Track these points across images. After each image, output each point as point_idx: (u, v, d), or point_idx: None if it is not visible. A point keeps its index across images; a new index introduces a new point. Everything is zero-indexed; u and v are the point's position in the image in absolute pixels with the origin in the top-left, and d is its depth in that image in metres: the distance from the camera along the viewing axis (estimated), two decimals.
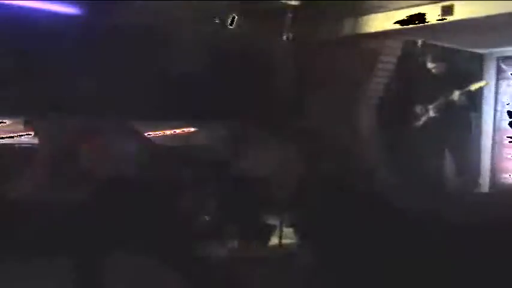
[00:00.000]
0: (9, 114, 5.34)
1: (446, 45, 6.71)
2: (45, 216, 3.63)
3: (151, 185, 3.83)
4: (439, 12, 6.37)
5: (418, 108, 6.53)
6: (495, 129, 8.52)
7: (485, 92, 7.11)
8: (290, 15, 6.49)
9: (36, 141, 4.26)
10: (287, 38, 6.58)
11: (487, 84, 6.93)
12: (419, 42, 6.43)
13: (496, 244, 4.35)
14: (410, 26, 6.66)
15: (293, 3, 6.38)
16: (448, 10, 6.32)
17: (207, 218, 5.17)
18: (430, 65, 6.48)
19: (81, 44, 5.52)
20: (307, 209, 5.68)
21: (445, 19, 6.32)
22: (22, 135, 5.04)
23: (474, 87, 6.27)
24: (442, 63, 6.38)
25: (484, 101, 8.29)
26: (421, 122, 6.51)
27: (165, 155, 4.33)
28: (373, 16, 6.91)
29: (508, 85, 8.42)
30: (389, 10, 6.74)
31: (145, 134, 5.49)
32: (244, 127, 6.00)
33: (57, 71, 5.37)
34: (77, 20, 5.69)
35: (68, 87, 5.38)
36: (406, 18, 6.67)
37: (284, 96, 6.69)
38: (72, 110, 4.55)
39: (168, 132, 5.86)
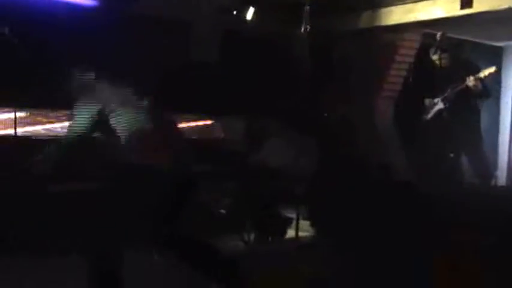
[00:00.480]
0: None
1: (465, 38, 6.66)
2: None
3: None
4: (458, 4, 6.33)
5: (436, 101, 6.51)
6: None
7: (503, 86, 7.06)
8: (308, 7, 6.46)
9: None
10: (305, 30, 6.55)
11: (496, 71, 6.89)
12: (438, 34, 6.38)
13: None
14: (429, 18, 6.64)
15: None
16: (467, 2, 6.27)
17: (223, 211, 5.20)
18: (448, 58, 6.44)
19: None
20: (324, 202, 5.69)
21: (464, 12, 6.29)
22: None
23: (484, 74, 6.24)
24: (460, 56, 6.36)
25: (502, 95, 8.26)
26: (438, 114, 6.48)
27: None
28: (391, 8, 6.87)
29: None
30: (408, 2, 6.70)
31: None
32: (262, 119, 6.02)
33: None
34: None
35: None
36: (424, 10, 6.64)
37: (302, 88, 6.68)
38: None
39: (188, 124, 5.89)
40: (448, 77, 6.42)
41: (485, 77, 6.26)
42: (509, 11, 6.03)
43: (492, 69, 6.61)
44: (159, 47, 5.79)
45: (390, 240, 4.82)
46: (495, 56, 8.13)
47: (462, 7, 6.29)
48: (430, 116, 6.53)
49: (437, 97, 6.47)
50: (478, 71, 6.29)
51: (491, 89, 6.68)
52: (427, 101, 6.54)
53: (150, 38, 5.74)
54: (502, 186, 7.33)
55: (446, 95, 6.39)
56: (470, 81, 6.13)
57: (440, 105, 6.45)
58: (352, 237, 5.00)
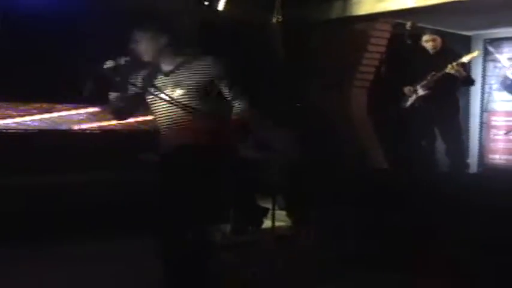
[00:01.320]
0: None
1: (434, 27, 6.71)
2: None
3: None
4: None
5: (409, 89, 6.52)
6: (482, 110, 8.61)
7: (472, 74, 7.13)
8: None
9: None
10: (277, 20, 6.54)
11: (478, 54, 6.96)
12: (409, 24, 6.42)
13: (484, 225, 4.43)
14: (399, 8, 6.69)
15: None
16: None
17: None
18: (419, 47, 6.49)
19: None
20: (299, 192, 5.73)
21: (433, 1, 6.34)
22: None
23: (467, 58, 6.27)
24: (431, 45, 6.38)
25: None
26: (411, 102, 6.51)
27: None
28: None
29: (495, 67, 8.49)
30: None
31: None
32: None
33: None
34: None
35: None
36: (394, 0, 6.69)
37: (274, 78, 6.68)
38: None
39: None
40: (428, 64, 6.42)
41: (468, 61, 6.30)
42: (477, 1, 6.11)
43: (475, 53, 6.68)
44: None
45: (366, 228, 4.89)
46: (464, 45, 8.21)
47: None
48: (409, 103, 6.52)
49: (417, 84, 6.46)
50: (460, 56, 6.34)
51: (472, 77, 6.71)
52: (406, 89, 6.52)
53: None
54: (474, 174, 7.43)
55: (426, 82, 6.40)
56: (453, 67, 6.12)
57: (420, 93, 6.46)
58: (329, 226, 5.04)
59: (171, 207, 3.54)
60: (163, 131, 3.59)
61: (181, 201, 3.49)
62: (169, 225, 3.53)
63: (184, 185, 3.51)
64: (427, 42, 6.37)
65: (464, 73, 6.23)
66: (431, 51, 6.40)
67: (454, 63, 6.11)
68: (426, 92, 6.38)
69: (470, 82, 6.62)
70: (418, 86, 6.44)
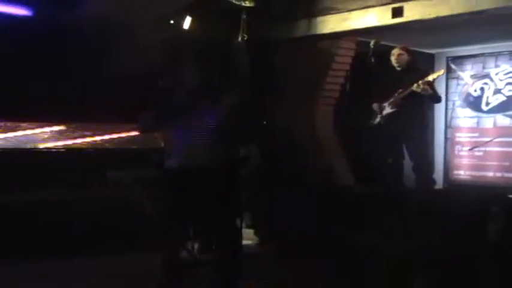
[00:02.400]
0: None
1: (397, 45, 6.82)
2: None
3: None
4: (390, 13, 6.49)
5: (375, 106, 6.56)
6: (447, 127, 8.74)
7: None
8: (245, 16, 6.50)
9: None
10: (242, 39, 6.58)
11: (444, 73, 7.05)
12: (372, 42, 6.50)
13: (446, 240, 4.48)
14: (363, 26, 6.79)
15: (247, 4, 6.39)
16: (398, 11, 6.45)
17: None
18: (385, 64, 6.54)
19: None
20: (266, 210, 5.72)
21: (396, 20, 6.46)
22: None
23: (432, 76, 6.34)
24: (397, 61, 6.43)
25: None
26: (379, 119, 6.54)
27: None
28: (326, 17, 7.00)
29: (458, 84, 8.66)
30: (342, 12, 6.83)
31: None
32: None
33: None
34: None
35: None
36: (358, 19, 6.79)
37: (240, 96, 6.69)
38: None
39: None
40: (395, 81, 6.46)
41: (433, 80, 6.36)
42: (439, 20, 6.23)
43: (440, 72, 6.77)
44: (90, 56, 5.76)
45: (332, 243, 4.90)
46: (427, 63, 8.36)
47: (394, 16, 6.47)
48: (377, 120, 6.54)
49: (384, 102, 6.49)
50: (426, 74, 6.41)
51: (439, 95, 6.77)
52: (374, 106, 6.56)
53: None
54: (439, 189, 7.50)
55: (393, 99, 6.42)
56: (419, 85, 6.17)
57: (387, 110, 6.48)
58: (295, 243, 5.04)
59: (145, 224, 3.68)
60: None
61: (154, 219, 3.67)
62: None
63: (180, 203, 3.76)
64: (394, 58, 6.42)
65: (431, 91, 6.28)
66: (397, 68, 6.44)
67: (420, 82, 6.16)
68: (393, 109, 6.41)
69: (437, 99, 6.69)
70: (385, 104, 6.47)
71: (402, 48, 6.46)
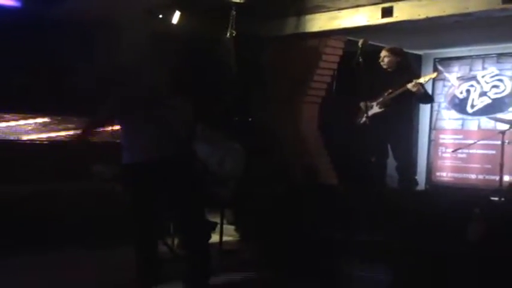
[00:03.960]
0: None
1: (386, 45, 6.83)
2: None
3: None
4: (379, 13, 6.50)
5: (362, 105, 6.55)
6: (431, 128, 8.79)
7: None
8: (234, 12, 6.49)
9: None
10: (231, 35, 6.57)
11: (436, 75, 7.06)
12: (360, 42, 6.48)
13: (430, 242, 4.51)
14: (352, 26, 6.79)
15: (237, 0, 6.38)
16: (387, 11, 6.45)
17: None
18: (375, 64, 6.54)
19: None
20: (248, 206, 5.73)
21: (385, 20, 6.46)
22: None
23: (424, 79, 6.35)
24: (387, 62, 6.42)
25: None
26: (364, 119, 6.53)
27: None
28: (315, 15, 6.99)
29: (444, 85, 8.71)
30: (331, 10, 6.83)
31: None
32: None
33: None
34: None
35: None
36: (347, 18, 6.79)
37: (227, 92, 6.70)
38: None
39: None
40: (384, 81, 6.46)
41: (425, 82, 6.37)
42: (427, 21, 6.25)
43: (433, 75, 6.79)
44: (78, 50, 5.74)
45: (315, 242, 4.92)
46: (415, 64, 8.38)
47: (383, 16, 6.48)
48: (363, 119, 6.53)
49: (372, 101, 6.48)
50: (416, 75, 6.42)
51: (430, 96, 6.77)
52: (362, 105, 6.55)
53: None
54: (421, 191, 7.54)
55: (381, 99, 6.43)
56: (411, 86, 6.17)
57: (375, 110, 6.49)
58: (276, 240, 5.06)
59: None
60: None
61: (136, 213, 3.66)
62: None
63: (140, 198, 3.75)
64: (381, 60, 6.42)
65: (422, 90, 6.30)
66: (388, 69, 6.44)
67: (415, 81, 6.16)
68: (381, 109, 6.42)
69: (430, 99, 6.71)
70: (374, 103, 6.47)
71: (389, 50, 6.46)
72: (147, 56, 3.96)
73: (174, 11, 6.35)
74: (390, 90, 6.35)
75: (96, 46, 5.57)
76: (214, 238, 5.18)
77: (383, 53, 6.44)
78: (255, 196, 5.71)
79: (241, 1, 6.36)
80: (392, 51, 6.47)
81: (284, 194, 5.56)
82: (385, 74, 6.48)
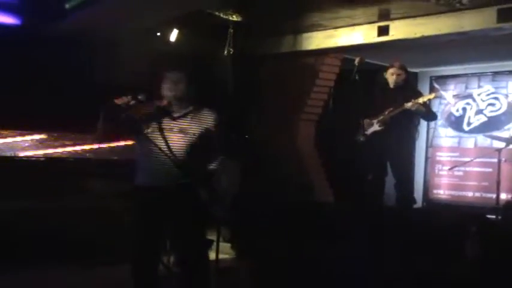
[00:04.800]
0: None
1: (382, 63, 6.87)
2: None
3: None
4: (376, 32, 6.55)
5: (361, 123, 6.52)
6: (428, 146, 8.81)
7: None
8: (231, 30, 6.53)
9: None
10: (228, 52, 6.61)
11: (435, 96, 7.06)
12: (357, 60, 6.48)
13: (426, 259, 4.51)
14: (348, 44, 6.83)
15: (235, 18, 6.42)
16: (384, 30, 6.50)
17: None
18: (372, 82, 6.52)
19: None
20: (245, 224, 5.72)
21: (381, 39, 6.51)
22: None
23: (423, 99, 6.32)
24: (395, 79, 6.39)
25: None
26: (364, 136, 6.50)
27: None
28: (312, 34, 7.04)
29: (440, 103, 8.74)
30: (328, 28, 6.87)
31: None
32: None
33: None
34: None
35: None
36: (344, 36, 6.83)
37: (224, 109, 6.71)
38: None
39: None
40: (387, 99, 6.42)
41: (424, 103, 6.33)
42: (423, 39, 6.29)
43: (431, 96, 6.76)
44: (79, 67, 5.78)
45: (310, 260, 4.91)
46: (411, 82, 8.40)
47: (379, 34, 6.52)
48: (363, 137, 6.49)
49: (373, 119, 6.45)
50: (418, 93, 6.42)
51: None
52: (361, 123, 6.51)
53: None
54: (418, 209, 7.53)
55: (382, 117, 6.39)
56: (411, 105, 6.12)
57: (375, 128, 6.44)
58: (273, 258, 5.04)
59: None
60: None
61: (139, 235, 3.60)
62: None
63: (147, 222, 3.68)
64: (391, 77, 6.34)
65: (424, 109, 6.24)
66: (392, 86, 6.37)
67: (414, 101, 6.12)
68: (381, 127, 6.37)
69: (434, 117, 6.68)
70: (374, 121, 6.43)
71: (400, 67, 6.37)
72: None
73: (172, 29, 6.40)
74: (391, 108, 6.31)
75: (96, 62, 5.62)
76: (211, 256, 5.16)
77: (394, 70, 6.34)
78: (251, 214, 5.71)
79: (239, 19, 6.40)
80: (403, 68, 6.38)
81: (281, 212, 5.55)
82: (386, 91, 6.43)
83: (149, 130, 3.65)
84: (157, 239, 3.87)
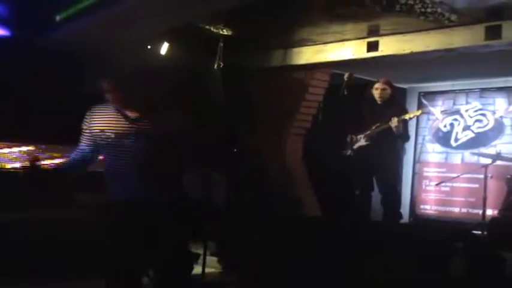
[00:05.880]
0: None
1: (371, 78, 6.91)
2: None
3: None
4: (365, 47, 6.59)
5: (349, 138, 6.55)
6: (415, 161, 8.85)
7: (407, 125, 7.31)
8: (221, 44, 6.56)
9: None
10: (218, 66, 6.63)
11: (422, 113, 7.10)
12: (346, 75, 6.52)
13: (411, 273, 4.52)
14: (338, 59, 6.87)
15: (225, 32, 6.45)
16: (373, 46, 6.54)
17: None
18: (360, 97, 6.55)
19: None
20: (232, 238, 5.72)
21: (370, 54, 6.55)
22: None
23: (409, 116, 6.35)
24: (379, 94, 6.41)
25: None
26: (350, 151, 6.52)
27: None
28: (302, 49, 7.08)
29: (428, 119, 8.79)
30: (318, 44, 6.92)
31: None
32: None
33: None
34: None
35: None
36: (333, 52, 6.88)
37: (213, 123, 6.73)
38: None
39: None
40: (374, 114, 6.44)
41: (410, 119, 6.36)
42: (411, 55, 6.34)
43: (418, 112, 6.80)
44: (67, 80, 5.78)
45: (299, 275, 4.91)
46: (399, 98, 8.45)
47: (369, 50, 6.57)
48: (349, 152, 6.51)
49: (360, 134, 6.46)
50: (405, 110, 6.45)
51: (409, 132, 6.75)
52: (349, 137, 6.53)
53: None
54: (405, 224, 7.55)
55: (369, 132, 6.41)
56: (394, 121, 6.14)
57: (361, 142, 6.47)
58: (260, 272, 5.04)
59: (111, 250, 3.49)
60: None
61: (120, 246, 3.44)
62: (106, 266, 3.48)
63: (122, 231, 3.44)
64: (377, 92, 6.37)
65: (401, 130, 6.26)
66: (378, 101, 6.40)
67: (397, 119, 6.13)
68: (367, 142, 6.40)
69: (406, 139, 6.70)
70: (361, 136, 6.45)
71: (385, 83, 6.41)
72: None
73: (163, 42, 6.42)
74: (378, 124, 6.33)
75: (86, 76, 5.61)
76: (197, 269, 5.16)
77: (379, 85, 6.39)
78: (238, 227, 5.71)
79: (229, 33, 6.44)
80: (388, 84, 6.42)
81: (268, 226, 5.56)
82: (373, 106, 6.45)
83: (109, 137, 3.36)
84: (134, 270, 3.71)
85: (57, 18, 5.41)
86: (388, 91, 6.37)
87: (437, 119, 8.70)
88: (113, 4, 5.10)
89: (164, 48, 6.44)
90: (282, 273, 4.97)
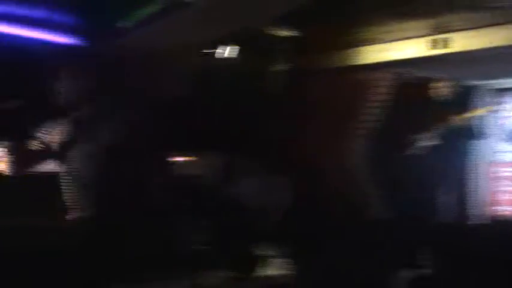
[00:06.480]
0: None
1: (439, 77, 6.76)
2: None
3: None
4: (430, 45, 6.46)
5: (414, 138, 6.47)
6: (488, 161, 8.57)
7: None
8: (285, 46, 6.57)
9: None
10: (282, 68, 6.65)
11: (491, 110, 6.94)
12: (412, 73, 6.44)
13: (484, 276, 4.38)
14: (403, 58, 6.76)
15: (288, 33, 6.46)
16: (440, 43, 6.40)
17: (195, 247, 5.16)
18: (426, 96, 6.46)
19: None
20: (298, 241, 5.69)
21: (436, 52, 6.41)
22: None
23: (478, 113, 6.22)
24: (436, 94, 6.34)
25: None
26: (415, 152, 6.43)
27: None
28: (367, 48, 7.00)
29: (501, 117, 8.50)
30: (383, 42, 6.82)
31: None
32: (237, 157, 6.02)
33: None
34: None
35: None
36: (399, 50, 6.77)
37: (277, 126, 6.73)
38: None
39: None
40: (436, 113, 6.36)
41: (478, 117, 6.23)
42: (481, 52, 6.17)
43: (486, 110, 6.66)
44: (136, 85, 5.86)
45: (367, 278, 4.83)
46: (466, 96, 8.23)
47: (434, 47, 6.43)
48: (412, 152, 6.43)
49: (423, 134, 6.38)
50: (468, 108, 6.33)
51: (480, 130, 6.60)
52: (411, 138, 6.47)
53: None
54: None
55: (433, 131, 6.32)
56: (461, 119, 6.05)
57: (426, 142, 6.39)
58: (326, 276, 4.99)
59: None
60: None
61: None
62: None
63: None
64: (438, 91, 6.29)
65: (470, 126, 6.14)
66: (442, 99, 6.32)
67: (461, 116, 6.03)
68: (432, 141, 6.31)
69: (475, 137, 6.55)
70: (425, 135, 6.37)
71: (446, 80, 6.34)
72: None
73: (227, 46, 6.48)
74: (443, 122, 6.23)
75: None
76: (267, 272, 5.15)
77: (438, 85, 6.32)
78: (304, 229, 5.68)
79: (292, 34, 6.43)
80: (451, 81, 6.34)
81: (328, 229, 5.50)
82: (438, 105, 6.37)
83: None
84: None
85: (123, 24, 5.52)
86: (452, 89, 6.28)
87: (509, 116, 8.41)
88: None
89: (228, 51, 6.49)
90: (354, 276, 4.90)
